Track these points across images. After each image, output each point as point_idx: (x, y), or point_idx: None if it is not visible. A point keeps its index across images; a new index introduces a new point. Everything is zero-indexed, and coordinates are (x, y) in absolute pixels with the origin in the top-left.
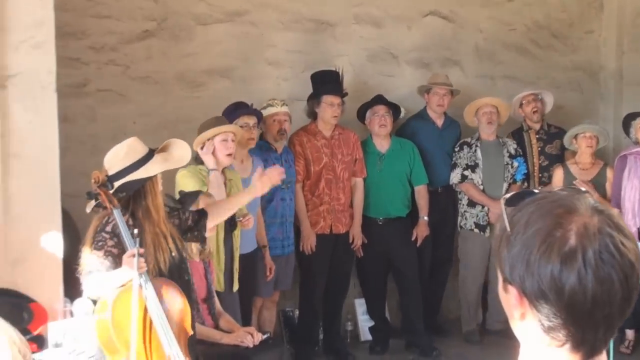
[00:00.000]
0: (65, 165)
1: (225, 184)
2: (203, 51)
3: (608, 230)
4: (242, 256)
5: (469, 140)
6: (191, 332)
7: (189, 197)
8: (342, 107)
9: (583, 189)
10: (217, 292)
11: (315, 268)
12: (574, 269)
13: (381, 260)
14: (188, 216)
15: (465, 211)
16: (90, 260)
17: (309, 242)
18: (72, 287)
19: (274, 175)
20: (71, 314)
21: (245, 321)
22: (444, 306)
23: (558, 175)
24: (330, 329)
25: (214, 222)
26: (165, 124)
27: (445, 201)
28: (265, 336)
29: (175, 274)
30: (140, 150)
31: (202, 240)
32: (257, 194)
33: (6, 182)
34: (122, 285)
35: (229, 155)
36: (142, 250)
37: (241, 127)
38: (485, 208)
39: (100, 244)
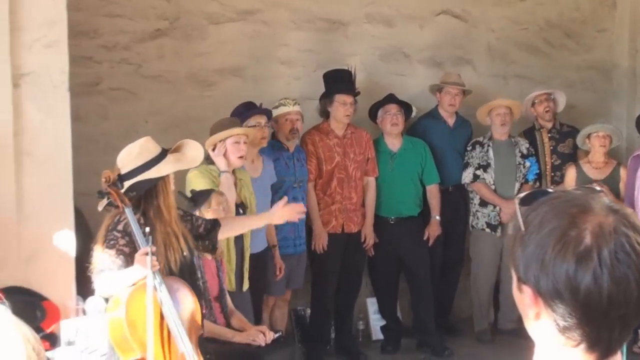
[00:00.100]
0: (77, 164)
1: (235, 184)
2: (215, 50)
3: (623, 229)
4: (252, 255)
5: (481, 139)
6: (202, 331)
7: (201, 195)
8: (355, 106)
9: (598, 188)
10: (228, 291)
11: (327, 267)
12: (590, 269)
13: (393, 259)
14: (201, 224)
15: (476, 211)
16: (102, 258)
17: (321, 241)
18: (84, 285)
19: (294, 213)
20: (83, 312)
21: (256, 320)
22: (455, 305)
23: (571, 174)
24: (342, 328)
25: (225, 236)
26: (177, 122)
27: (456, 200)
28: (277, 335)
29: (186, 273)
30: (153, 150)
31: (213, 250)
32: (272, 222)
33: (19, 180)
34: (134, 284)
35: (241, 157)
36: (154, 249)
37: (253, 126)
38: (497, 208)
39: (111, 242)
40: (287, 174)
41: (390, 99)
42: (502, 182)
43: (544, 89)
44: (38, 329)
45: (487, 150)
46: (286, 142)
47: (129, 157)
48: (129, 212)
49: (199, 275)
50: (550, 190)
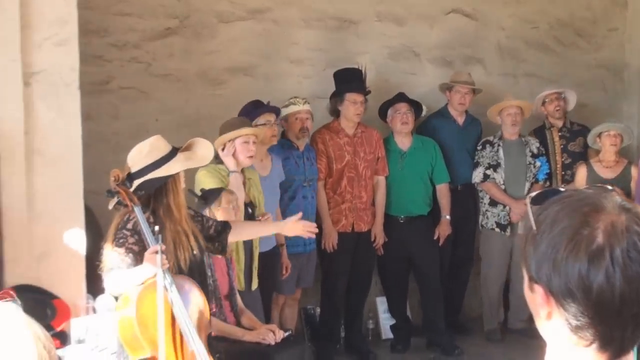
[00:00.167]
0: (87, 163)
1: (244, 183)
2: (225, 49)
3: (636, 228)
4: (261, 254)
5: (491, 139)
6: (210, 329)
7: (212, 193)
8: (365, 105)
9: (610, 187)
10: (237, 290)
11: (336, 266)
12: (602, 268)
13: (402, 258)
14: (211, 225)
15: (486, 210)
16: (112, 257)
17: (331, 240)
18: (94, 284)
19: (305, 230)
20: (94, 310)
21: (266, 319)
22: (465, 304)
23: (581, 173)
24: (352, 327)
25: (235, 239)
26: (187, 121)
27: (465, 199)
28: (286, 334)
29: (195, 271)
30: (163, 148)
31: (222, 252)
32: (282, 232)
33: (30, 179)
34: (142, 283)
35: (250, 157)
36: (163, 247)
37: (263, 124)
38: (507, 208)
39: (121, 241)
40: (297, 172)
41: (401, 97)
42: (512, 182)
43: (555, 87)
44: (48, 327)
45: (498, 150)
46: (296, 141)
47: (139, 155)
48: (138, 211)
49: (209, 273)
50: (561, 189)
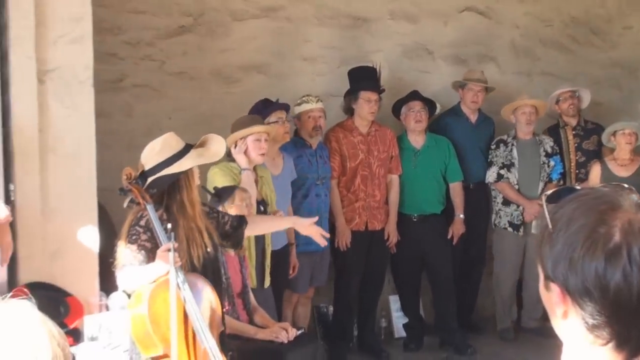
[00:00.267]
0: (101, 160)
1: (256, 181)
2: (239, 47)
3: None
4: (273, 252)
5: (505, 138)
6: (223, 327)
7: (225, 191)
8: (379, 103)
9: (626, 186)
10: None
11: (350, 265)
12: (619, 266)
13: (415, 257)
14: (227, 221)
15: (499, 209)
16: (124, 254)
17: (344, 239)
18: (107, 281)
19: (318, 235)
20: (107, 307)
21: (278, 316)
22: (479, 303)
23: (596, 171)
24: (365, 326)
25: (250, 234)
26: (201, 119)
27: (478, 198)
28: (299, 332)
29: (209, 269)
30: (175, 145)
31: (237, 246)
32: (296, 227)
33: (44, 176)
34: (155, 281)
35: (262, 155)
36: (176, 245)
37: (275, 122)
38: (520, 207)
39: (134, 237)
40: (310, 171)
41: (414, 95)
42: (526, 182)
43: (569, 86)
44: (61, 325)
45: (511, 150)
46: (309, 139)
47: (151, 153)
48: (150, 209)
49: (223, 271)
50: (577, 187)
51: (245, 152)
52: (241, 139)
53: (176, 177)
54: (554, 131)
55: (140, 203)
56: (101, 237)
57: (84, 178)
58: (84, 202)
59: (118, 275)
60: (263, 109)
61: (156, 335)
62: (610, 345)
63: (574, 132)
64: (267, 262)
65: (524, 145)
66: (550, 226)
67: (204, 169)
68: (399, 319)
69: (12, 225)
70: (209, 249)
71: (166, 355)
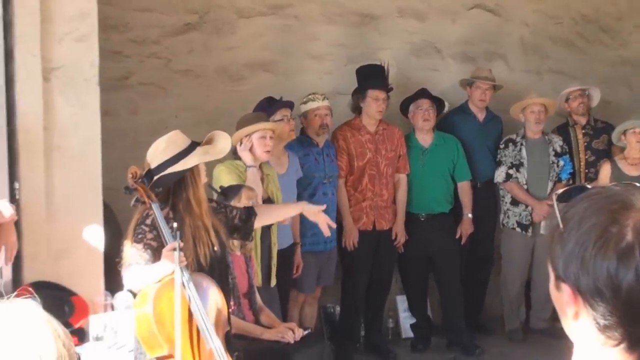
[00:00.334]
0: (106, 159)
1: (262, 179)
2: (245, 45)
3: None
4: (279, 252)
5: (514, 137)
6: (229, 327)
7: (232, 190)
8: (387, 102)
9: (638, 184)
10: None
11: (357, 264)
12: (632, 266)
13: (423, 257)
14: (235, 214)
15: (508, 209)
16: (130, 252)
17: (352, 238)
18: (112, 281)
19: (325, 224)
20: (112, 307)
21: (283, 316)
22: (487, 303)
23: (605, 170)
24: (372, 326)
25: (261, 224)
26: (207, 118)
27: (485, 197)
28: (306, 332)
29: (215, 268)
30: (181, 143)
31: (247, 238)
32: (304, 212)
33: (49, 175)
34: (160, 281)
35: (267, 152)
36: (182, 244)
37: (280, 120)
38: (529, 207)
39: (140, 236)
40: (317, 169)
41: (423, 93)
42: (535, 182)
43: (579, 84)
44: (66, 324)
45: (520, 149)
46: (315, 138)
47: (157, 151)
48: (155, 208)
49: (230, 271)
50: (588, 186)
51: (251, 150)
52: (246, 136)
53: (181, 175)
54: (563, 130)
55: (145, 202)
56: (106, 236)
57: (89, 176)
58: (89, 201)
59: (124, 274)
60: (268, 107)
61: (161, 335)
62: (622, 346)
63: (583, 131)
64: (273, 261)
65: (533, 145)
66: (561, 225)
67: (210, 167)
68: (406, 319)
69: (17, 224)
70: (215, 248)
71: (171, 356)
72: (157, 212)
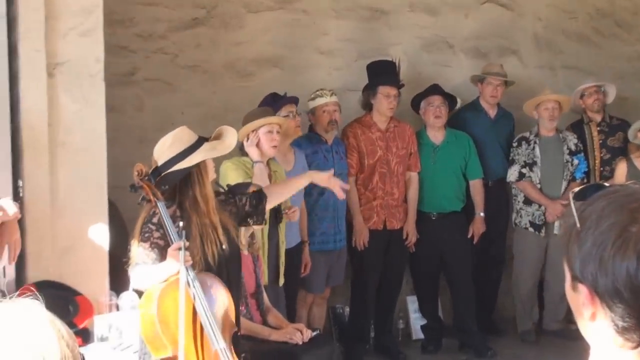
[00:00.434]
0: (112, 156)
1: (269, 175)
2: (253, 39)
3: None
4: (287, 251)
5: (527, 135)
6: (236, 328)
7: (239, 188)
8: (398, 98)
9: None
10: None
11: (367, 264)
12: None
13: (434, 256)
14: (245, 202)
15: (520, 208)
16: (137, 252)
17: (362, 238)
18: (117, 280)
19: (336, 184)
20: (117, 307)
21: (289, 315)
22: (499, 304)
23: (621, 168)
24: (382, 327)
25: (273, 204)
26: (214, 114)
27: (497, 196)
28: (314, 333)
29: (223, 267)
30: (187, 139)
31: (262, 222)
32: (314, 180)
33: (53, 172)
34: (166, 280)
35: (274, 147)
36: (187, 244)
37: (286, 116)
38: (542, 207)
39: (146, 235)
40: (326, 167)
41: (434, 90)
42: (549, 181)
43: (594, 80)
44: (71, 325)
45: (534, 148)
46: (324, 134)
47: (163, 148)
48: (161, 206)
49: (239, 270)
50: (606, 184)
51: (258, 145)
52: (253, 131)
53: (187, 172)
54: (577, 127)
55: (151, 200)
56: (112, 234)
57: (94, 174)
58: (94, 199)
59: (131, 274)
60: (272, 103)
61: (165, 337)
62: None
63: (598, 129)
64: (281, 260)
65: (546, 143)
66: (578, 224)
67: (217, 163)
68: (416, 320)
69: (21, 222)
70: (224, 246)
71: (175, 357)
72: (163, 211)
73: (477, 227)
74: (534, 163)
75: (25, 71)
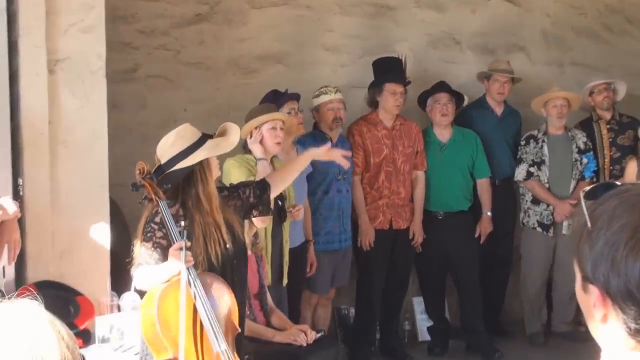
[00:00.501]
0: (113, 154)
1: None
2: (257, 36)
3: None
4: (290, 250)
5: (535, 133)
6: (239, 330)
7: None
8: (404, 96)
9: None
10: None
11: (373, 265)
12: None
13: (440, 256)
14: (249, 193)
15: (528, 208)
16: (140, 252)
17: (368, 238)
18: (119, 280)
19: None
20: (118, 308)
21: (291, 316)
22: (507, 306)
23: (632, 167)
24: (388, 329)
25: (278, 192)
26: (217, 111)
27: (504, 195)
28: (319, 335)
29: (228, 267)
30: (190, 137)
31: (268, 212)
32: (317, 157)
33: (54, 170)
34: (168, 280)
35: (278, 144)
36: (188, 244)
37: (288, 113)
38: (550, 207)
39: (149, 235)
40: (330, 165)
41: (441, 87)
42: (557, 180)
43: (603, 77)
44: (71, 326)
45: (542, 146)
46: (329, 132)
47: (165, 146)
48: (162, 205)
49: (244, 270)
50: (617, 183)
51: (261, 142)
52: (256, 128)
53: (189, 170)
54: (586, 125)
55: (152, 199)
56: (113, 234)
57: (95, 172)
58: (95, 198)
59: (133, 274)
60: (274, 100)
61: (165, 339)
62: None
63: (608, 127)
64: (285, 259)
65: (555, 141)
66: (589, 224)
67: (220, 161)
68: (423, 322)
69: (21, 221)
70: (228, 245)
71: (176, 359)
72: (164, 210)
73: (484, 227)
74: (542, 162)
75: (25, 68)
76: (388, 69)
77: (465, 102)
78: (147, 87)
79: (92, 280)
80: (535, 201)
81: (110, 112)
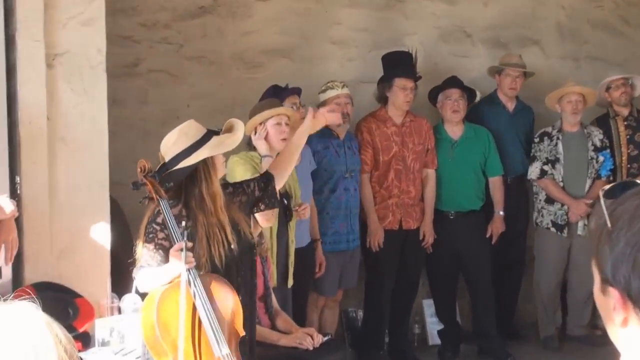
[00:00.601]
0: (114, 151)
1: None
2: (262, 29)
3: None
4: (296, 250)
5: (549, 130)
6: (242, 334)
7: None
8: (415, 91)
9: None
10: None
11: (382, 266)
12: None
13: (452, 258)
14: (254, 187)
15: (542, 207)
16: (142, 253)
17: (377, 238)
18: (119, 282)
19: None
20: (119, 310)
21: (299, 319)
22: (520, 308)
23: None
24: (397, 332)
25: (282, 181)
26: (221, 107)
27: (517, 194)
28: (326, 338)
29: (233, 269)
30: (193, 134)
31: (276, 204)
32: (317, 119)
33: (52, 168)
34: (170, 282)
35: (284, 139)
36: (189, 244)
37: (290, 108)
38: (565, 207)
39: (150, 236)
40: (338, 163)
41: (452, 82)
42: (572, 179)
43: (620, 72)
44: (70, 328)
45: (557, 144)
46: (336, 129)
47: (168, 144)
48: (163, 205)
49: (249, 271)
50: (637, 182)
51: (266, 139)
52: (260, 124)
53: (192, 169)
54: (603, 122)
55: (153, 198)
56: (113, 234)
57: (95, 170)
58: (95, 196)
59: (135, 276)
60: (275, 96)
61: (165, 342)
62: None
63: (625, 123)
64: (290, 260)
65: (570, 139)
66: (609, 224)
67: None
68: (433, 325)
69: (18, 220)
70: (232, 246)
71: None
72: (166, 209)
73: (497, 227)
74: (557, 160)
75: (23, 62)
76: (398, 64)
77: (478, 98)
78: (149, 82)
79: (92, 282)
80: (550, 200)
81: (111, 108)
